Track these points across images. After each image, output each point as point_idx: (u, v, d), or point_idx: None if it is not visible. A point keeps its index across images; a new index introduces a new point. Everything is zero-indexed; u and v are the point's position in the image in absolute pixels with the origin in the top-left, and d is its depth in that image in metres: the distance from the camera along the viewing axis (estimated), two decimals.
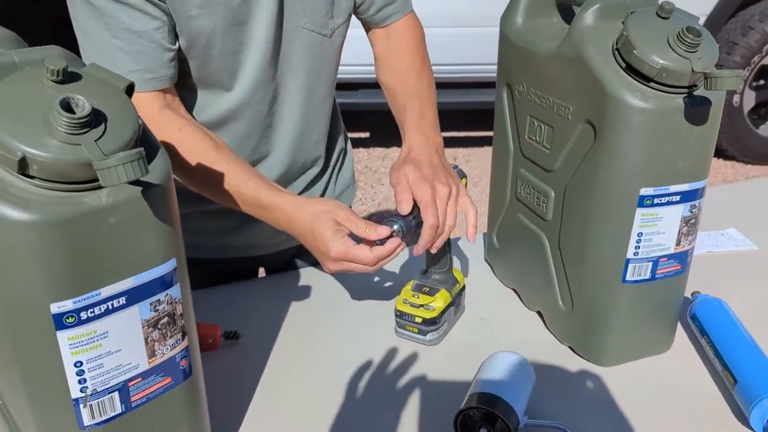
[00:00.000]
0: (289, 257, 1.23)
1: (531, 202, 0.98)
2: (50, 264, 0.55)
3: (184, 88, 0.94)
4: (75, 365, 0.59)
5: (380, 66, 1.10)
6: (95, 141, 0.53)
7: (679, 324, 0.97)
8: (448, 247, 0.98)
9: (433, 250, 0.91)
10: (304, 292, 1.11)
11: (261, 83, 0.97)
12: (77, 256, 0.55)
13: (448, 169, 0.94)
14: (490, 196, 1.13)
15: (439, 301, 0.96)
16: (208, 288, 1.11)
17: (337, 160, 1.20)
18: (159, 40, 0.86)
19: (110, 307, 0.59)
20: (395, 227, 0.85)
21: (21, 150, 0.52)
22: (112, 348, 0.60)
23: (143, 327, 0.62)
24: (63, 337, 0.57)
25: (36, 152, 0.52)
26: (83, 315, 0.57)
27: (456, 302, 1.01)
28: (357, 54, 3.10)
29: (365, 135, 3.79)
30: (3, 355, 0.61)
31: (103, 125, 0.55)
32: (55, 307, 0.56)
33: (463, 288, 1.03)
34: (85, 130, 0.53)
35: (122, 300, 0.59)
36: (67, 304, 0.56)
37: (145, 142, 0.60)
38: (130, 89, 0.61)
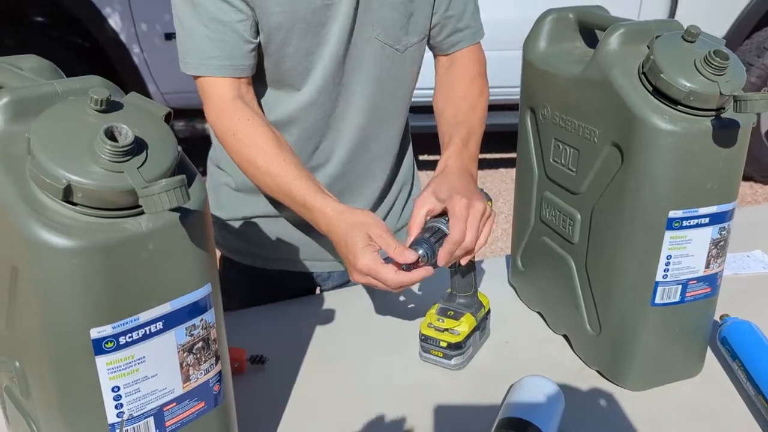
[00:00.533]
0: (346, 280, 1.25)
1: (557, 225, 0.98)
2: (91, 289, 0.55)
3: (258, 85, 1.01)
4: (112, 390, 0.59)
5: (438, 91, 1.14)
6: (137, 168, 0.53)
7: (708, 347, 0.96)
8: (473, 268, 0.98)
9: (463, 262, 0.91)
10: (329, 316, 1.11)
11: (328, 86, 1.01)
12: (117, 281, 0.56)
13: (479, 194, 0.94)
14: (514, 218, 1.13)
15: (464, 325, 0.96)
16: (234, 311, 1.12)
17: (399, 192, 1.22)
18: (241, 32, 0.93)
19: (148, 332, 0.59)
20: (420, 252, 0.85)
21: (66, 178, 0.53)
22: (149, 373, 0.61)
23: (179, 352, 0.62)
24: (102, 362, 0.58)
25: (81, 180, 0.53)
26: (122, 340, 0.58)
27: (481, 326, 1.00)
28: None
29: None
30: (41, 380, 0.61)
31: (144, 153, 0.56)
32: (95, 332, 0.56)
33: (489, 312, 1.03)
34: (128, 158, 0.54)
35: (159, 325, 0.60)
36: (107, 329, 0.57)
37: (182, 169, 0.62)
38: (168, 117, 0.62)
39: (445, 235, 0.88)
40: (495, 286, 1.19)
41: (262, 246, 1.17)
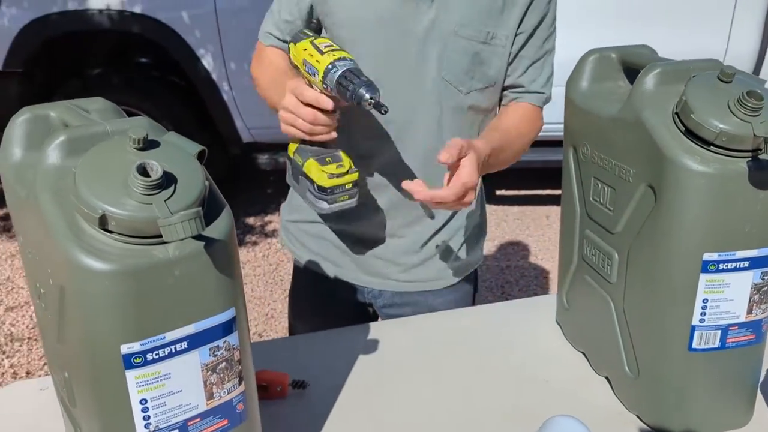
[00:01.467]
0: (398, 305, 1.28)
1: (596, 264, 0.97)
2: (122, 309, 0.61)
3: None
4: (140, 402, 0.65)
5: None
6: (165, 201, 0.59)
7: (760, 395, 0.91)
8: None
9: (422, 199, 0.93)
10: (373, 346, 1.14)
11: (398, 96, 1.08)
12: (146, 302, 0.62)
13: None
14: (560, 256, 1.13)
15: (347, 161, 0.98)
16: (280, 339, 1.17)
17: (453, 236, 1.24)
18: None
19: (173, 350, 0.64)
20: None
21: (102, 208, 0.59)
22: (174, 388, 0.66)
23: (202, 370, 0.67)
24: (131, 375, 0.63)
25: (114, 210, 0.59)
26: (149, 356, 0.63)
27: None
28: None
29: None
30: (83, 390, 0.68)
31: (173, 187, 0.62)
32: (125, 348, 0.62)
33: None
34: (157, 191, 0.60)
35: (184, 344, 0.65)
36: (135, 346, 0.62)
37: (211, 201, 0.67)
38: (201, 155, 0.68)
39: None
40: (542, 324, 1.18)
41: (328, 252, 1.25)
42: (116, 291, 0.61)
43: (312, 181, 0.96)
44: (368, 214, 1.18)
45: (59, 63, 3.44)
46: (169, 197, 0.61)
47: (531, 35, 1.11)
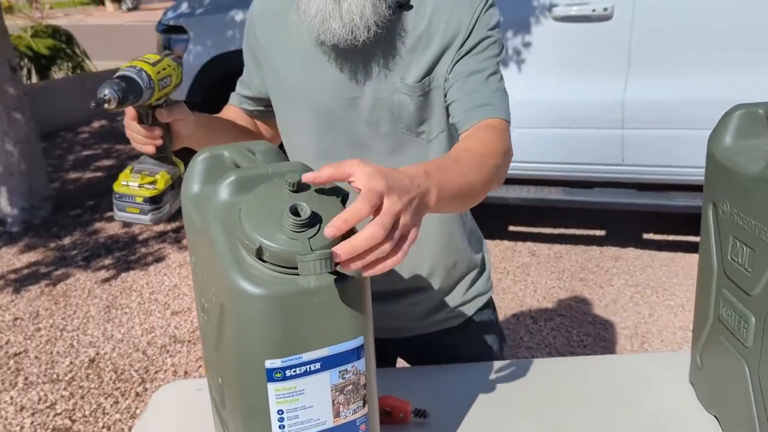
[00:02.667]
0: (419, 349, 1.28)
1: (732, 325, 0.94)
2: (269, 328, 0.71)
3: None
4: (278, 413, 0.74)
5: None
6: (308, 239, 0.68)
7: None
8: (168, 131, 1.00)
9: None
10: (493, 385, 1.17)
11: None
12: (288, 325, 0.71)
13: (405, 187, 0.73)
14: (695, 312, 1.09)
15: (160, 182, 0.96)
16: (402, 368, 1.23)
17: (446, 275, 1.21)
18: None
19: (308, 369, 0.73)
20: (107, 91, 0.87)
21: (259, 241, 0.69)
22: (306, 403, 0.74)
23: (332, 390, 0.75)
24: (272, 388, 0.72)
25: (268, 243, 0.69)
26: (288, 372, 0.72)
27: (177, 184, 0.99)
28: (594, 153, 3.13)
29: (600, 233, 3.70)
30: (231, 395, 0.78)
31: (318, 226, 0.71)
32: (269, 363, 0.72)
33: (183, 173, 0.97)
34: (304, 229, 0.70)
35: (318, 365, 0.73)
36: (277, 362, 0.72)
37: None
38: (345, 198, 0.77)
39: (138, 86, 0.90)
40: (675, 383, 1.14)
41: None
42: (266, 312, 0.70)
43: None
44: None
45: None
46: (313, 235, 0.70)
47: (469, 54, 1.05)
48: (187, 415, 1.10)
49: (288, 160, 0.87)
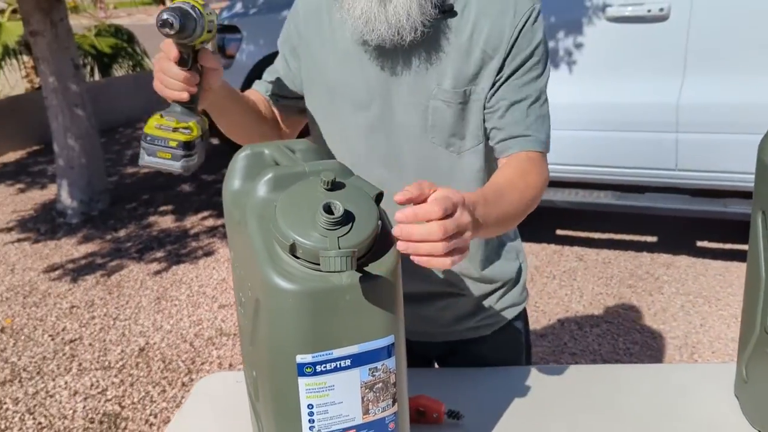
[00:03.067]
0: (446, 354, 1.26)
1: None
2: (300, 324, 0.72)
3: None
4: (308, 407, 0.75)
5: None
6: (338, 237, 0.69)
7: None
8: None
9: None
10: (528, 390, 1.15)
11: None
12: (320, 320, 0.72)
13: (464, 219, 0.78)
14: (742, 323, 1.05)
15: (195, 128, 0.90)
16: (436, 369, 1.23)
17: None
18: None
19: (338, 366, 0.74)
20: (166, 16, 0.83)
21: (292, 237, 0.71)
22: (336, 399, 0.75)
23: (361, 387, 0.76)
24: (302, 382, 0.74)
25: (301, 240, 0.70)
26: (318, 368, 0.73)
27: (206, 137, 0.94)
28: (647, 157, 3.05)
29: (651, 239, 3.61)
30: (264, 388, 0.80)
31: (350, 224, 0.72)
32: (299, 358, 0.73)
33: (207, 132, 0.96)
34: (336, 227, 0.71)
35: (348, 362, 0.74)
36: (308, 357, 0.73)
37: (383, 238, 0.76)
38: (379, 197, 0.77)
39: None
40: (718, 396, 1.10)
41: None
42: (298, 308, 0.72)
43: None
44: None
45: None
46: (345, 234, 0.71)
47: (510, 78, 1.04)
48: (226, 406, 1.12)
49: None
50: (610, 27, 2.99)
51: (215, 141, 4.45)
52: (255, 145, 0.91)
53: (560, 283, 3.19)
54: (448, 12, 1.02)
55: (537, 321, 2.88)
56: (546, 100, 1.08)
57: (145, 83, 7.16)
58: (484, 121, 1.07)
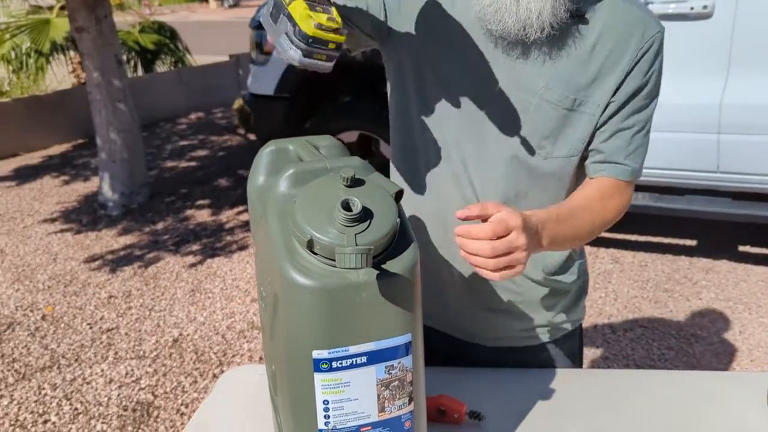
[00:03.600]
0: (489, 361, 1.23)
1: None
2: (317, 319, 0.73)
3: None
4: (323, 402, 0.75)
5: None
6: (356, 234, 0.69)
7: None
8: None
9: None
10: (553, 394, 1.14)
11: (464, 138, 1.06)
12: (336, 317, 0.72)
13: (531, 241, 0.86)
14: None
15: (339, 18, 0.83)
16: (470, 369, 1.22)
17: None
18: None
19: (354, 362, 0.74)
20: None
21: (310, 233, 0.71)
22: (352, 396, 0.75)
23: (377, 384, 0.76)
24: (318, 378, 0.74)
25: (319, 236, 0.71)
26: (334, 364, 0.74)
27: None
28: (687, 159, 2.97)
29: (691, 243, 3.52)
30: (282, 382, 0.80)
31: (368, 221, 0.71)
32: (315, 353, 0.73)
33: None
34: (354, 224, 0.70)
35: (364, 359, 0.74)
36: (324, 353, 0.73)
37: (402, 236, 0.76)
38: (398, 195, 0.77)
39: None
40: (752, 405, 1.07)
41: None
42: (314, 304, 0.72)
43: (294, 24, 0.81)
44: (449, 270, 1.14)
45: (318, 90, 3.90)
46: (363, 230, 0.70)
47: (624, 104, 1.02)
48: (250, 398, 1.14)
49: (349, 155, 0.87)
50: None
51: (252, 137, 4.51)
52: (280, 140, 0.91)
53: (594, 285, 3.14)
54: (578, 18, 0.99)
55: None
56: (650, 129, 1.07)
57: (187, 79, 7.29)
58: (591, 137, 1.05)
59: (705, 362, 2.53)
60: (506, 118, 1.03)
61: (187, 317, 3.06)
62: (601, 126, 1.04)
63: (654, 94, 1.05)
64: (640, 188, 3.19)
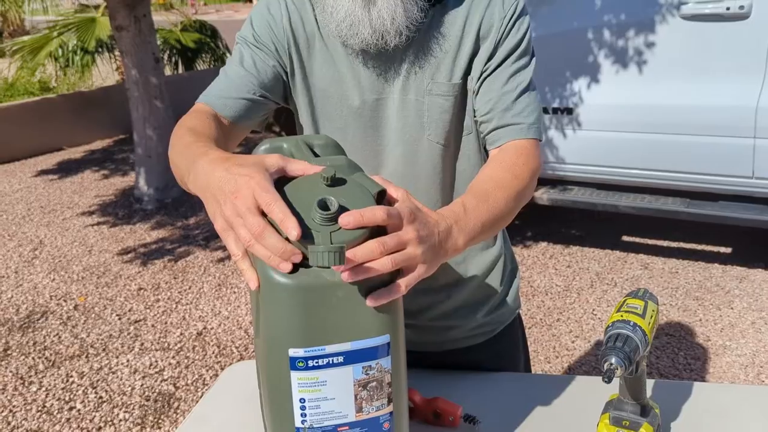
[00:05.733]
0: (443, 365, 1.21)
1: None
2: (293, 317, 0.73)
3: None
4: (300, 401, 0.75)
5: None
6: (331, 232, 0.69)
7: None
8: (644, 370, 0.89)
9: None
10: (554, 400, 1.12)
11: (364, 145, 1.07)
12: (312, 315, 0.72)
13: (430, 226, 0.77)
14: None
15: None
16: (467, 373, 1.21)
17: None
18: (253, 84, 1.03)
19: (331, 362, 0.74)
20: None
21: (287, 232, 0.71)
22: (329, 395, 0.75)
23: (354, 385, 0.75)
24: (294, 376, 0.74)
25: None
26: (310, 363, 0.74)
27: None
28: (721, 164, 2.89)
29: (725, 250, 3.41)
30: (263, 378, 0.81)
31: None
32: (292, 352, 0.73)
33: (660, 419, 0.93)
34: (330, 223, 0.70)
35: (340, 358, 0.74)
36: (300, 352, 0.73)
37: (381, 235, 0.75)
38: (380, 195, 0.77)
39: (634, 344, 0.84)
40: (763, 420, 1.03)
41: None
42: (290, 302, 0.72)
43: None
44: None
45: None
46: (338, 230, 0.70)
47: (498, 67, 1.02)
48: (251, 393, 1.15)
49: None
50: (685, 26, 2.85)
51: (276, 128, 4.55)
52: (274, 139, 0.92)
53: (622, 291, 3.07)
54: (438, 6, 1.02)
55: (593, 329, 2.78)
56: (535, 89, 1.05)
57: None
58: (474, 112, 1.05)
59: (732, 374, 2.46)
60: (406, 126, 1.05)
61: (212, 311, 3.11)
62: (482, 96, 1.03)
63: (530, 56, 1.05)
64: (671, 193, 3.11)
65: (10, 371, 2.68)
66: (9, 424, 2.37)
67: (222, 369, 2.65)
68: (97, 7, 7.01)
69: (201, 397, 2.49)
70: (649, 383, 1.15)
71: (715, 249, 3.44)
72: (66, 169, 5.52)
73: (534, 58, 1.07)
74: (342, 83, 1.04)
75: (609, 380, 0.81)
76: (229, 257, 3.68)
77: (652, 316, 0.89)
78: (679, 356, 2.58)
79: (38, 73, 7.09)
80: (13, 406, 2.46)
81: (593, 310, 2.94)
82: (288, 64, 1.05)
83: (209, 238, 3.96)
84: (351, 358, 0.74)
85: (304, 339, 0.73)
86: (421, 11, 0.97)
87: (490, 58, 1.02)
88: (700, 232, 3.54)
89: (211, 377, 2.60)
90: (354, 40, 0.98)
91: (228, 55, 7.90)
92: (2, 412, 2.43)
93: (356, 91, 1.04)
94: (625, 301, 0.92)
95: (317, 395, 0.75)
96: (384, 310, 0.74)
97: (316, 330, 0.73)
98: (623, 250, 3.47)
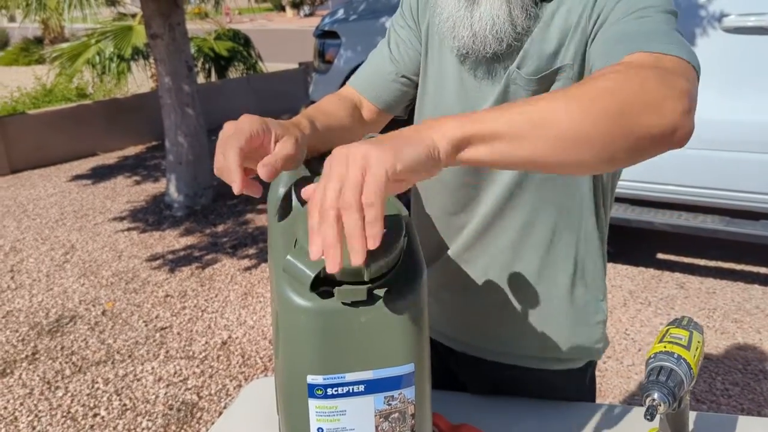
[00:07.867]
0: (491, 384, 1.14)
1: None
2: (312, 343, 0.69)
3: None
4: (317, 430, 0.72)
5: None
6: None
7: None
8: (687, 406, 0.84)
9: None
10: (578, 428, 1.07)
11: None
12: (332, 341, 0.69)
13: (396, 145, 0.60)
14: None
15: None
16: (494, 397, 1.15)
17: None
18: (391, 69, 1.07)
19: (351, 390, 0.70)
20: None
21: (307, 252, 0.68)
22: (348, 425, 0.71)
23: (375, 416, 0.71)
24: (312, 404, 0.71)
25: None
26: (329, 391, 0.70)
27: None
28: (762, 181, 2.79)
29: (765, 271, 3.29)
30: (280, 404, 0.78)
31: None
32: (310, 378, 0.70)
33: None
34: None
35: (361, 387, 0.70)
36: (319, 379, 0.70)
37: (410, 261, 0.72)
38: (399, 223, 0.73)
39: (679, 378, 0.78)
40: None
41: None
42: (309, 326, 0.69)
43: None
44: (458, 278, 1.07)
45: None
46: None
47: (604, 23, 0.84)
48: (268, 412, 1.12)
49: None
50: (727, 38, 2.76)
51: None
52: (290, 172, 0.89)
53: (656, 310, 2.98)
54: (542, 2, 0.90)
55: (626, 349, 2.70)
56: (674, 23, 0.81)
57: (256, 85, 7.46)
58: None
59: None
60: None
61: (237, 320, 3.10)
62: (596, 45, 0.83)
63: (662, 9, 0.80)
64: (709, 210, 3.01)
65: (38, 375, 2.70)
66: (34, 429, 2.38)
67: (246, 380, 2.63)
68: (134, 15, 7.14)
69: (224, 407, 2.47)
70: (691, 416, 1.08)
71: (755, 269, 3.32)
72: (99, 174, 5.60)
73: (676, 18, 0.83)
74: (443, 82, 1.00)
75: (651, 418, 0.76)
76: (256, 266, 3.67)
77: (697, 348, 0.83)
78: (716, 381, 2.48)
79: (75, 80, 7.24)
80: (39, 411, 2.47)
81: (626, 329, 2.85)
82: (423, 44, 1.05)
83: (237, 246, 3.96)
84: (372, 387, 0.71)
85: (324, 366, 0.70)
86: (528, 18, 0.89)
87: (593, 30, 0.85)
88: (739, 251, 3.42)
89: (234, 388, 2.58)
90: (454, 43, 0.93)
91: (260, 63, 7.97)
92: (28, 416, 2.44)
93: (455, 97, 1.00)
94: (668, 330, 0.86)
95: (336, 425, 0.71)
96: (410, 336, 0.70)
97: (336, 357, 0.69)
98: (658, 268, 3.36)
